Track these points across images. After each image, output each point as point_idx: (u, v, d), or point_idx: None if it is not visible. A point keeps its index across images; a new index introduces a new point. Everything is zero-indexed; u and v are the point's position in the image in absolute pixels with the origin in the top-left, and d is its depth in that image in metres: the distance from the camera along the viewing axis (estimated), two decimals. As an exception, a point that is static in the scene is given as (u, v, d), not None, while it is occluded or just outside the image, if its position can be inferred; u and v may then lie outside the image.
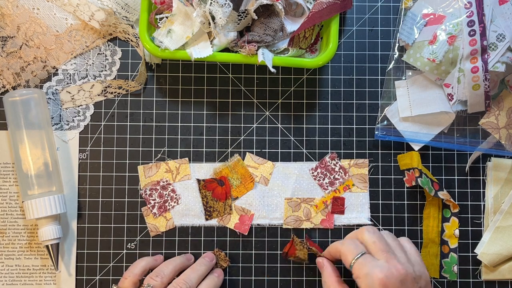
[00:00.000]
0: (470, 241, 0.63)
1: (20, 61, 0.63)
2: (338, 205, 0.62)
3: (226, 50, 0.59)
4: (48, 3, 0.63)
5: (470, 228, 0.63)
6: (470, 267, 0.62)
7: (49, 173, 0.59)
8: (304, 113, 0.64)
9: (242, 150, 0.63)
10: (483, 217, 0.63)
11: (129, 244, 0.62)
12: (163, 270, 0.56)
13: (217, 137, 0.63)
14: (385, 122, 0.63)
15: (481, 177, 0.63)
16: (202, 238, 0.62)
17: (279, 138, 0.63)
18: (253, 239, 0.62)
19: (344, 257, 0.52)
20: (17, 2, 0.63)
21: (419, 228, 0.63)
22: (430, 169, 0.63)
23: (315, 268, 0.62)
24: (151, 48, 0.57)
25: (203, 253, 0.62)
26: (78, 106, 0.63)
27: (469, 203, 0.63)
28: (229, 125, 0.63)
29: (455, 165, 0.63)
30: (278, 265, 0.62)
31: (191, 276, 0.56)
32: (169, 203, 0.62)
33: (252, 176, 0.62)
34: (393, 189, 0.63)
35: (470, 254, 0.62)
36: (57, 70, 0.63)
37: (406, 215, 0.63)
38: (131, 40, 0.64)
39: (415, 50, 0.60)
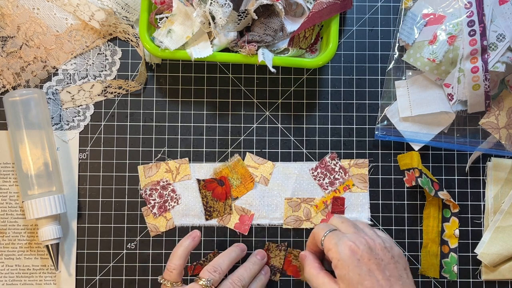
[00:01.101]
0: (470, 241, 0.63)
1: (20, 61, 0.63)
2: (338, 205, 0.62)
3: (226, 50, 0.59)
4: (48, 3, 0.63)
5: (470, 228, 0.63)
6: (470, 267, 0.62)
7: (49, 173, 0.59)
8: (304, 113, 0.64)
9: (242, 150, 0.63)
10: (483, 217, 0.63)
11: (129, 244, 0.62)
12: (220, 264, 0.55)
13: (217, 137, 0.63)
14: (385, 122, 0.63)
15: (481, 177, 0.63)
16: (202, 238, 0.62)
17: (279, 138, 0.63)
18: (253, 239, 0.62)
19: (316, 236, 0.54)
20: (17, 2, 0.63)
21: (419, 228, 0.63)
22: (430, 169, 0.63)
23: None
24: (151, 48, 0.57)
25: (203, 253, 0.62)
26: (78, 106, 0.63)
27: (469, 203, 0.63)
28: (229, 125, 0.63)
29: (455, 165, 0.63)
30: (278, 265, 0.62)
31: (244, 274, 0.56)
32: (169, 203, 0.62)
33: (252, 176, 0.62)
34: (393, 189, 0.63)
35: (470, 254, 0.62)
36: (57, 70, 0.63)
37: (406, 215, 0.63)
38: (131, 40, 0.64)
39: (415, 50, 0.60)
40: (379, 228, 0.62)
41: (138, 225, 0.62)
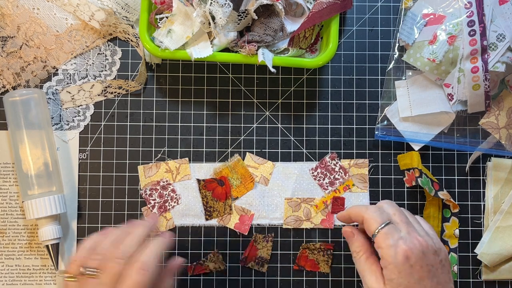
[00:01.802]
0: (470, 241, 0.63)
1: (20, 61, 0.63)
2: (338, 205, 0.62)
3: (226, 50, 0.59)
4: (48, 3, 0.63)
5: (470, 228, 0.63)
6: (470, 267, 0.62)
7: (49, 173, 0.59)
8: (304, 113, 0.64)
9: (242, 150, 0.63)
10: (483, 217, 0.63)
11: (129, 244, 0.62)
12: (102, 245, 0.48)
13: (217, 137, 0.63)
14: (385, 122, 0.63)
15: (481, 177, 0.63)
16: (202, 238, 0.62)
17: (279, 138, 0.63)
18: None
19: (367, 224, 0.51)
20: (17, 2, 0.63)
21: (419, 228, 0.63)
22: (430, 169, 0.63)
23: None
24: (151, 48, 0.57)
25: (203, 253, 0.62)
26: (78, 106, 0.63)
27: (469, 203, 0.63)
28: (229, 125, 0.63)
29: (455, 165, 0.63)
30: (278, 265, 0.62)
31: (128, 243, 0.48)
32: (169, 203, 0.62)
33: (252, 176, 0.62)
34: (393, 189, 0.63)
35: (470, 254, 0.62)
36: (57, 70, 0.63)
37: (406, 215, 0.63)
38: (131, 40, 0.64)
39: (415, 50, 0.60)
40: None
41: (138, 225, 0.62)
